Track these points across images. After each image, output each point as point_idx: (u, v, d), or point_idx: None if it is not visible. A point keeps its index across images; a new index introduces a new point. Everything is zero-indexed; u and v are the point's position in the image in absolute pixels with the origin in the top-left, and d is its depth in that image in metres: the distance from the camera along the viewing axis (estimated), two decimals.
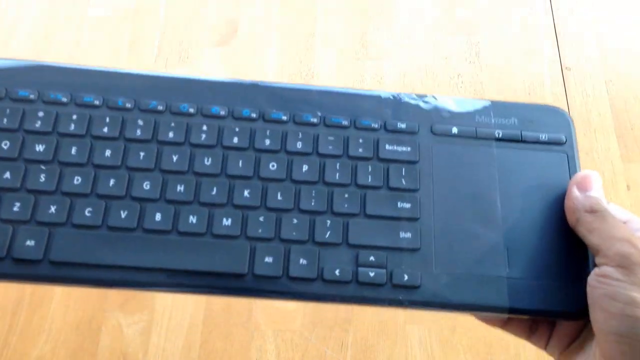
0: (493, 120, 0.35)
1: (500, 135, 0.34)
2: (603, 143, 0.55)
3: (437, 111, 0.35)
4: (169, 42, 0.65)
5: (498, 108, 0.35)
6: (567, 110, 0.57)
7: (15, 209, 0.31)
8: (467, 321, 0.49)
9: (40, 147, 0.32)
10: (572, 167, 0.33)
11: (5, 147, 0.32)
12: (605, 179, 0.54)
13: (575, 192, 0.30)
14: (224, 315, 0.50)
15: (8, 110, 0.33)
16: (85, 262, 0.30)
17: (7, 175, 0.32)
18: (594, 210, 0.29)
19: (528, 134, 0.35)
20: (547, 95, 0.58)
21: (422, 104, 0.35)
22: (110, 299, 0.51)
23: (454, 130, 0.35)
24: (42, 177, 0.32)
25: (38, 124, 0.33)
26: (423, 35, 0.63)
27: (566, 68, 0.60)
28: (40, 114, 0.33)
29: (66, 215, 0.31)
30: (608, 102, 0.58)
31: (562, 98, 0.58)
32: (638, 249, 0.26)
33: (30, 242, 0.30)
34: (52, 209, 0.31)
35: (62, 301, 0.51)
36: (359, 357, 0.48)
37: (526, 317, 0.32)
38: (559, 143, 0.34)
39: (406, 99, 0.35)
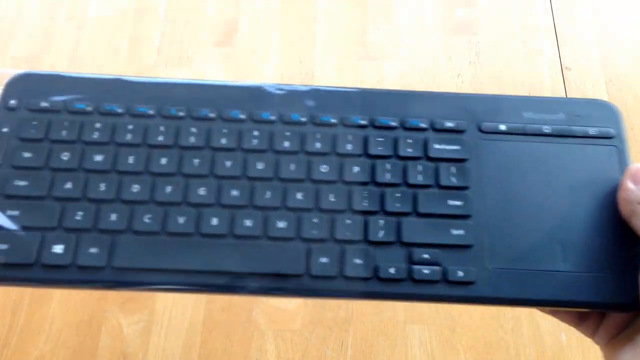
0: (540, 116, 0.35)
1: (548, 131, 0.35)
2: None
3: (483, 109, 0.35)
4: (169, 42, 0.65)
5: (544, 104, 0.35)
6: None
7: (78, 217, 0.32)
8: (467, 321, 0.49)
9: (98, 157, 0.33)
10: (622, 160, 0.33)
11: (65, 159, 0.33)
12: None
13: (629, 185, 0.31)
14: (224, 315, 0.50)
15: (66, 123, 0.34)
16: (146, 267, 0.31)
17: (69, 185, 0.32)
18: None
19: (576, 129, 0.35)
20: (547, 95, 0.58)
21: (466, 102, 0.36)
22: (110, 299, 0.51)
23: (502, 127, 0.35)
24: (102, 187, 0.32)
25: (96, 135, 0.33)
26: (423, 35, 0.63)
27: (566, 68, 0.60)
28: (98, 125, 0.34)
29: (127, 222, 0.32)
30: None
31: None
32: None
33: (93, 250, 0.31)
34: (113, 216, 0.32)
35: (62, 301, 0.51)
36: (359, 357, 0.48)
37: (580, 309, 0.32)
38: (608, 137, 0.34)
39: (452, 97, 0.36)
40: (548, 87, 0.59)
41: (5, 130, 0.35)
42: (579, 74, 0.59)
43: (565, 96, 0.58)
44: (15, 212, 0.32)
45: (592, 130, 0.34)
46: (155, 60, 0.64)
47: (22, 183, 0.33)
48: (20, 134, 0.34)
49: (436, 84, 0.60)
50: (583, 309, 0.32)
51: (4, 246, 0.31)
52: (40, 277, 0.32)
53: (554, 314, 0.34)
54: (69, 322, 0.51)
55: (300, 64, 0.63)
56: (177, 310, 0.51)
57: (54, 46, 0.66)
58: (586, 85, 0.59)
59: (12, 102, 0.36)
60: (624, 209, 0.31)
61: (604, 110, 0.35)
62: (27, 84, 0.36)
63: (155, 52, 0.64)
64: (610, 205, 0.32)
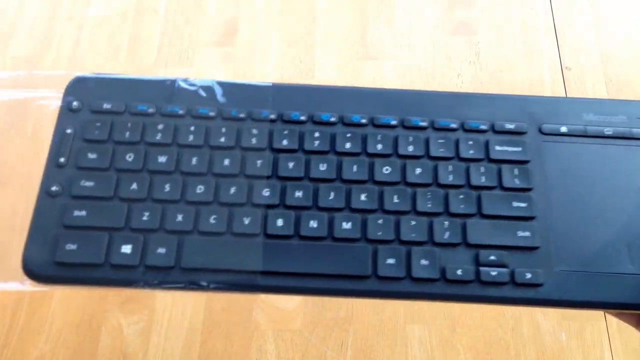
0: (601, 118, 0.35)
1: (610, 133, 0.34)
2: None
3: (544, 109, 0.35)
4: (169, 42, 0.65)
5: (605, 105, 0.35)
6: None
7: (145, 218, 0.32)
8: (467, 321, 0.49)
9: (162, 159, 0.33)
10: None
11: (129, 160, 0.33)
12: None
13: None
14: (224, 315, 0.50)
15: (129, 124, 0.34)
16: (213, 268, 0.31)
17: (134, 186, 0.33)
18: None
19: (638, 131, 0.34)
20: (547, 95, 0.58)
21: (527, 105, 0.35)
22: (110, 299, 0.51)
23: (563, 129, 0.35)
24: (167, 187, 0.32)
25: (158, 136, 0.34)
26: (423, 35, 0.63)
27: (566, 68, 0.60)
28: (160, 126, 0.34)
29: (193, 222, 0.32)
30: None
31: None
32: None
33: (161, 250, 0.31)
34: (179, 217, 0.32)
35: (62, 301, 0.51)
36: (359, 357, 0.48)
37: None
38: None
39: (503, 99, 0.36)
40: (548, 87, 0.59)
41: (69, 131, 0.36)
42: (579, 74, 0.59)
43: (565, 96, 0.58)
44: (82, 213, 0.32)
45: None
46: (155, 60, 0.64)
47: (88, 184, 0.33)
48: (84, 135, 0.35)
49: (436, 84, 0.60)
50: None
51: (72, 246, 0.31)
52: (110, 277, 0.32)
53: (619, 315, 0.33)
54: (69, 322, 0.51)
55: (300, 64, 0.63)
56: (177, 310, 0.51)
57: (54, 46, 0.66)
58: (586, 85, 0.59)
59: (75, 104, 0.36)
60: None
61: None
62: (87, 86, 0.36)
63: (155, 52, 0.64)
64: None
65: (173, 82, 0.36)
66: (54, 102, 0.35)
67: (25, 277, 0.33)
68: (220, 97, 0.35)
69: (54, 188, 0.35)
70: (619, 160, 0.34)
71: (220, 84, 0.36)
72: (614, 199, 0.33)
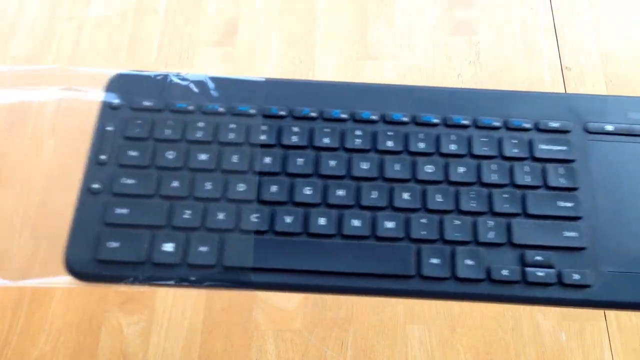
0: None
1: None
2: None
3: (588, 109, 0.34)
4: (169, 42, 0.65)
5: None
6: None
7: (186, 216, 0.32)
8: (467, 321, 0.49)
9: (203, 156, 0.33)
10: None
11: (170, 157, 0.33)
12: None
13: None
14: (224, 315, 0.50)
15: (170, 122, 0.34)
16: (255, 267, 0.31)
17: (176, 184, 0.32)
18: None
19: None
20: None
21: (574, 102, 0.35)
22: (110, 299, 0.51)
23: (608, 127, 0.34)
24: (208, 185, 0.32)
25: (199, 134, 0.33)
26: (423, 35, 0.63)
27: (566, 68, 0.60)
28: (200, 124, 0.34)
29: (234, 221, 0.31)
30: None
31: None
32: None
33: (203, 248, 0.31)
34: (221, 215, 0.32)
35: (62, 301, 0.51)
36: (359, 357, 0.48)
37: None
38: None
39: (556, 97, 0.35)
40: (548, 87, 0.59)
41: (109, 128, 0.35)
42: (579, 74, 0.59)
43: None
44: (124, 210, 0.32)
45: None
46: (155, 60, 0.64)
47: (129, 181, 0.33)
48: (125, 132, 0.35)
49: (436, 84, 0.60)
50: None
51: (114, 244, 0.32)
52: (151, 275, 0.32)
53: None
54: (69, 322, 0.51)
55: (300, 64, 0.63)
56: (177, 310, 0.51)
57: (54, 46, 0.66)
58: (586, 85, 0.59)
59: (116, 101, 0.36)
60: None
61: None
62: (127, 83, 0.36)
63: (155, 52, 0.64)
64: None
65: (165, 77, 0.36)
66: (86, 95, 0.35)
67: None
68: (213, 91, 0.35)
69: (95, 185, 0.35)
70: None
71: (214, 79, 0.35)
72: None
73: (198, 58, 0.64)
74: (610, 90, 0.58)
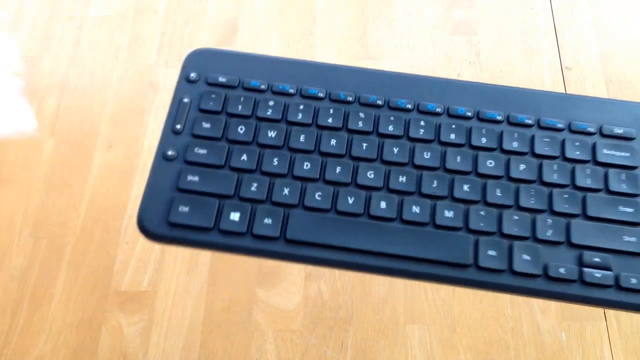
0: None
1: None
2: None
3: None
4: (169, 42, 0.65)
5: None
6: None
7: (253, 189, 0.33)
8: (467, 321, 0.49)
9: (272, 133, 0.34)
10: None
11: (241, 132, 0.34)
12: None
13: None
14: (224, 315, 0.50)
15: (242, 99, 0.35)
16: (316, 242, 0.32)
17: (244, 157, 0.34)
18: None
19: None
20: None
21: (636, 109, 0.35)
22: (110, 299, 0.51)
23: None
24: (275, 161, 0.33)
25: (269, 112, 0.35)
26: (423, 35, 0.63)
27: (566, 68, 0.60)
28: (271, 102, 0.35)
29: (298, 197, 0.32)
30: None
31: None
32: None
33: (268, 221, 0.32)
34: (286, 191, 0.33)
35: (62, 301, 0.51)
36: (359, 357, 0.48)
37: None
38: None
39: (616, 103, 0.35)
40: (548, 87, 0.59)
41: (186, 100, 0.37)
42: (579, 74, 0.59)
43: None
44: (195, 178, 0.34)
45: None
46: (155, 60, 0.64)
47: (202, 151, 0.34)
48: (200, 105, 0.36)
49: None
50: None
51: (185, 209, 0.33)
52: (218, 242, 0.33)
53: None
54: (69, 322, 0.51)
55: None
56: (177, 310, 0.51)
57: (54, 46, 0.66)
58: (586, 85, 0.59)
59: (193, 75, 0.37)
60: None
61: None
62: (205, 59, 0.37)
63: (155, 52, 0.64)
64: None
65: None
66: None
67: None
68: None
69: (170, 152, 0.35)
70: None
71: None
72: None
73: None
74: (610, 90, 0.58)
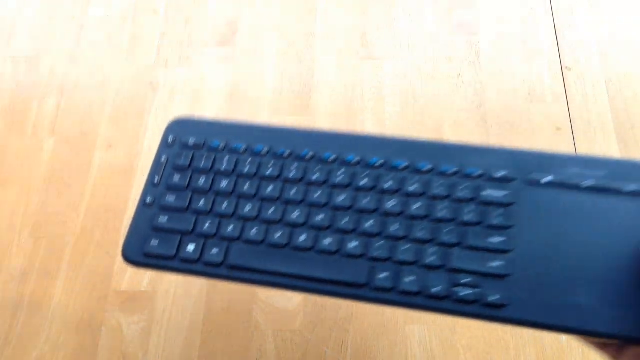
0: (583, 172, 0.40)
1: (587, 185, 0.40)
2: (603, 143, 0.55)
3: (534, 162, 0.41)
4: (169, 42, 0.65)
5: (589, 161, 0.41)
6: (567, 109, 0.57)
7: (206, 226, 0.42)
8: (467, 321, 0.49)
9: (224, 183, 0.43)
10: None
11: (201, 182, 0.43)
12: None
13: None
14: (224, 315, 0.50)
15: (204, 156, 0.45)
16: (251, 268, 0.40)
17: (202, 202, 0.43)
18: None
19: (613, 185, 0.39)
20: (547, 95, 0.58)
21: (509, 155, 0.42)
22: (110, 299, 0.51)
23: (547, 179, 0.40)
24: (224, 205, 0.42)
25: (224, 166, 0.44)
26: (423, 35, 0.63)
27: (566, 68, 0.60)
28: (226, 158, 0.45)
29: (239, 232, 0.41)
30: (608, 102, 0.58)
31: (562, 98, 0.58)
32: None
33: (215, 250, 0.41)
34: (230, 228, 0.42)
35: (62, 301, 0.51)
36: (359, 357, 0.48)
37: (596, 339, 0.37)
38: None
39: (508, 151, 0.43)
40: (548, 87, 0.59)
41: (163, 159, 0.46)
42: (579, 74, 0.59)
43: (565, 96, 0.58)
44: (165, 219, 0.43)
45: (630, 187, 0.39)
46: (156, 60, 0.64)
47: (171, 198, 0.44)
48: (174, 162, 0.45)
49: (436, 84, 0.60)
50: (600, 339, 0.36)
51: (155, 242, 0.42)
52: (178, 267, 0.41)
53: (583, 340, 0.37)
54: (69, 322, 0.51)
55: (300, 64, 0.63)
56: (177, 310, 0.51)
57: (54, 46, 0.66)
58: (586, 85, 0.59)
59: (171, 138, 0.46)
60: None
61: None
62: (181, 126, 0.47)
63: (155, 52, 0.64)
64: (635, 253, 0.37)
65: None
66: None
67: None
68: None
69: (148, 200, 0.44)
70: (591, 209, 0.39)
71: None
72: (581, 241, 0.38)
73: (198, 58, 0.64)
74: (610, 89, 0.58)
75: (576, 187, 0.40)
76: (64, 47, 0.66)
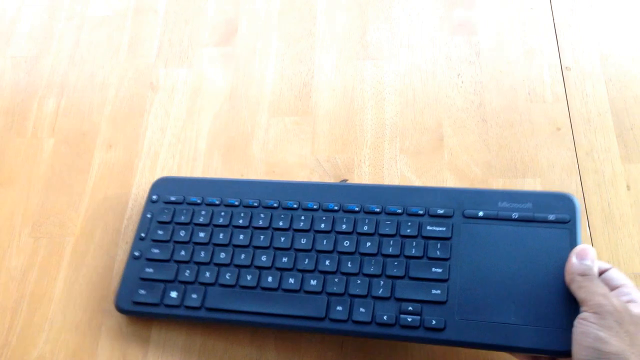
0: (512, 205, 0.46)
1: (516, 217, 0.45)
2: (603, 143, 0.55)
3: (468, 198, 0.47)
4: (169, 42, 0.65)
5: (516, 195, 0.46)
6: (567, 109, 0.57)
7: (187, 274, 0.47)
8: None
9: (202, 234, 0.49)
10: (572, 240, 0.43)
11: (182, 235, 0.49)
12: (605, 179, 0.54)
13: (573, 260, 0.40)
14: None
15: (184, 211, 0.50)
16: (226, 309, 0.46)
17: (183, 253, 0.48)
18: (585, 274, 0.38)
19: (539, 215, 0.44)
20: (547, 95, 0.58)
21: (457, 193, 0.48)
22: (110, 299, 0.51)
23: (480, 213, 0.46)
24: (202, 254, 0.48)
25: (201, 219, 0.50)
26: (423, 35, 0.63)
27: (566, 68, 0.60)
28: (203, 212, 0.50)
29: (215, 278, 0.47)
30: (608, 102, 0.58)
31: (562, 98, 0.58)
32: (611, 303, 0.35)
33: (194, 296, 0.47)
34: (207, 274, 0.47)
35: (62, 301, 0.52)
36: (359, 357, 0.48)
37: (527, 354, 0.41)
38: (564, 222, 0.44)
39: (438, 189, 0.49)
40: (548, 87, 0.59)
41: (149, 215, 0.51)
42: (579, 74, 0.59)
43: (565, 96, 0.58)
44: (151, 270, 0.48)
45: (551, 217, 0.44)
46: (155, 60, 0.64)
47: (156, 251, 0.49)
48: (158, 218, 0.50)
49: (436, 84, 0.60)
50: (530, 354, 0.41)
51: (143, 292, 0.47)
52: (162, 313, 0.47)
53: (512, 353, 0.42)
54: (69, 322, 0.51)
55: (300, 63, 0.63)
56: None
57: (54, 46, 0.66)
58: (586, 85, 0.59)
59: (154, 197, 0.52)
60: (567, 277, 0.40)
61: (565, 201, 0.45)
62: (165, 184, 0.52)
63: (155, 52, 0.64)
64: (558, 276, 0.41)
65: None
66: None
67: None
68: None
69: (136, 253, 0.49)
70: (520, 238, 0.44)
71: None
72: (511, 267, 0.43)
73: (198, 58, 0.64)
74: (610, 89, 0.58)
75: (506, 220, 0.45)
76: (64, 47, 0.66)
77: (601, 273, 0.40)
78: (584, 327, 0.35)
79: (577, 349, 0.35)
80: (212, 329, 0.49)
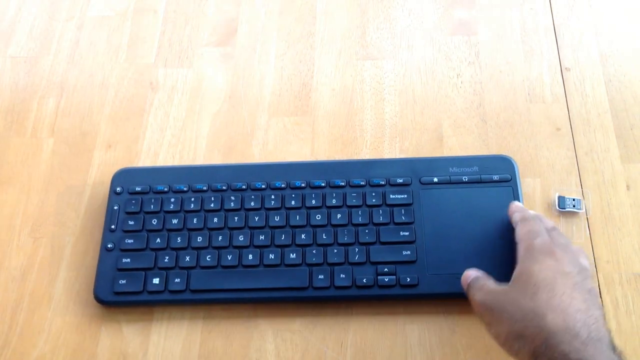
0: (461, 170, 0.52)
1: (466, 180, 0.51)
2: (603, 143, 0.55)
3: (423, 167, 0.52)
4: (168, 42, 0.65)
5: (463, 161, 0.52)
6: (566, 109, 0.57)
7: (166, 260, 0.49)
8: (467, 321, 0.49)
9: (175, 221, 0.51)
10: (515, 195, 0.51)
11: (154, 223, 0.51)
12: (605, 179, 0.54)
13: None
14: (224, 315, 0.50)
15: (152, 200, 0.52)
16: (210, 289, 0.48)
17: (158, 240, 0.50)
18: (524, 218, 0.46)
19: (485, 177, 0.51)
20: (547, 95, 0.58)
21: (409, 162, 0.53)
22: None
23: (435, 179, 0.52)
24: (179, 239, 0.50)
25: (172, 206, 0.52)
26: (423, 35, 0.63)
27: (566, 68, 0.60)
28: (172, 199, 0.52)
29: (196, 261, 0.49)
30: (608, 103, 0.58)
31: (562, 98, 0.58)
32: (542, 238, 0.42)
33: (177, 280, 0.49)
34: (187, 258, 0.49)
35: (62, 301, 0.52)
36: (359, 357, 0.48)
37: None
38: (506, 180, 0.51)
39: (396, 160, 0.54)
40: (547, 87, 0.59)
41: (116, 207, 0.52)
42: (579, 74, 0.59)
43: (564, 96, 0.58)
44: (128, 260, 0.50)
45: (495, 177, 0.51)
46: (155, 60, 0.64)
47: (130, 241, 0.50)
48: (125, 209, 0.52)
49: (436, 84, 0.60)
50: None
51: (123, 281, 0.49)
52: (147, 299, 0.49)
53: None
54: (69, 322, 0.51)
55: (300, 63, 0.63)
56: (177, 310, 0.51)
57: (54, 46, 0.66)
58: (586, 86, 0.59)
59: (118, 189, 0.53)
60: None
61: (505, 162, 0.52)
62: (125, 175, 0.54)
63: (155, 52, 0.64)
64: (505, 227, 0.48)
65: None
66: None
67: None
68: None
69: (109, 245, 0.50)
70: (471, 198, 0.50)
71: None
72: (467, 224, 0.49)
73: (198, 58, 0.64)
74: (610, 89, 0.58)
75: (458, 183, 0.51)
76: (64, 47, 0.66)
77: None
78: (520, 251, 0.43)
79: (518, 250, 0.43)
80: (211, 329, 0.49)
